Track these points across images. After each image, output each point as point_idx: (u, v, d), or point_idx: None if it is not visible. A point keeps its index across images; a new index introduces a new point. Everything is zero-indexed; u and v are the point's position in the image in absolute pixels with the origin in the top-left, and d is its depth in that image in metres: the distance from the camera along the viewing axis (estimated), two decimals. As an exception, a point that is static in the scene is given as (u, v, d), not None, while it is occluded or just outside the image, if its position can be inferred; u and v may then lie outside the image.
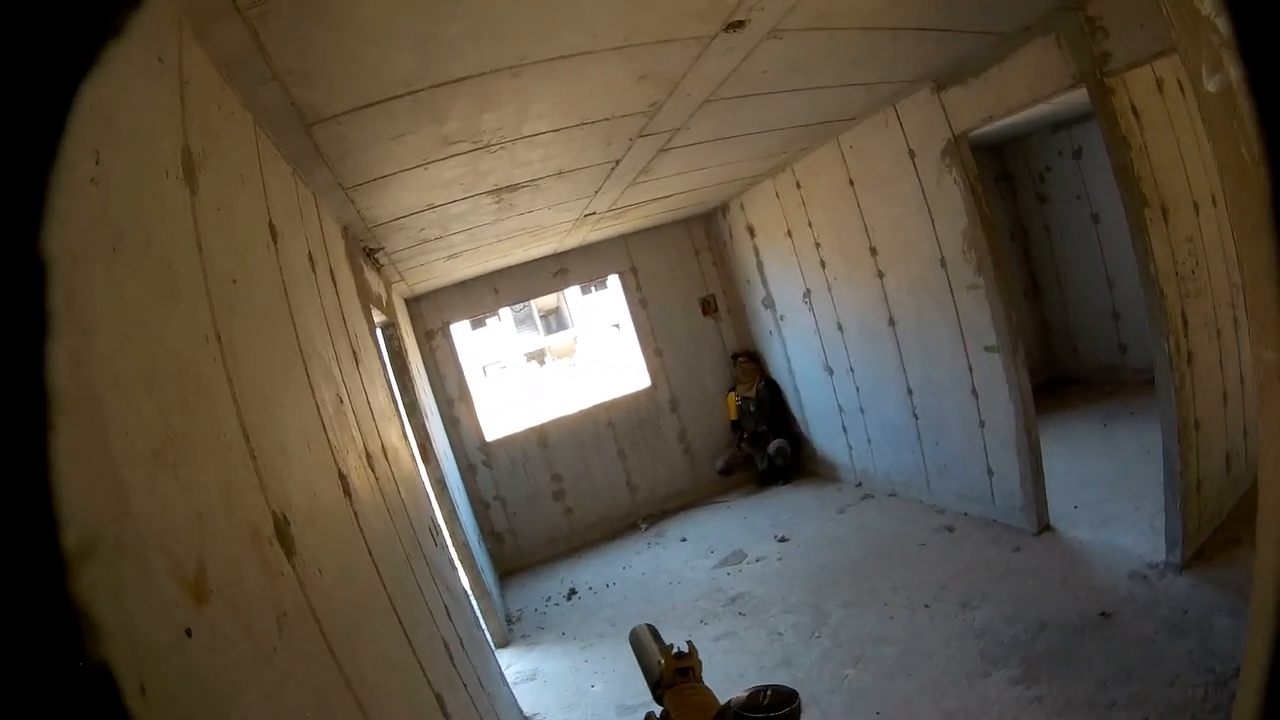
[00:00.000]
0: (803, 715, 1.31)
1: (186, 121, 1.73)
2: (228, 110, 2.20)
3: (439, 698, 2.63)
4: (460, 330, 8.72)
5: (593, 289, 27.85)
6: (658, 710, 1.59)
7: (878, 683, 4.22)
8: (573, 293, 30.80)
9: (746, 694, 1.28)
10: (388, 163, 3.48)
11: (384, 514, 2.97)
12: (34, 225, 0.60)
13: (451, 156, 3.66)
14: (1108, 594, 4.33)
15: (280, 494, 1.76)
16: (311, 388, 2.43)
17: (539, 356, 33.47)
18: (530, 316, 33.40)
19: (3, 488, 0.57)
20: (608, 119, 3.84)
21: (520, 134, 3.66)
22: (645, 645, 1.69)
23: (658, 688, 1.57)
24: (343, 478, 2.44)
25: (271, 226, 2.44)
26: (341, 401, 2.85)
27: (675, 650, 1.56)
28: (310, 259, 3.02)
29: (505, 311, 30.86)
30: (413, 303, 8.20)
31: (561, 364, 32.02)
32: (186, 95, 1.76)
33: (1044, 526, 5.34)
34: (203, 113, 1.90)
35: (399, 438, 4.14)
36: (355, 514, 2.45)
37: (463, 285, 8.33)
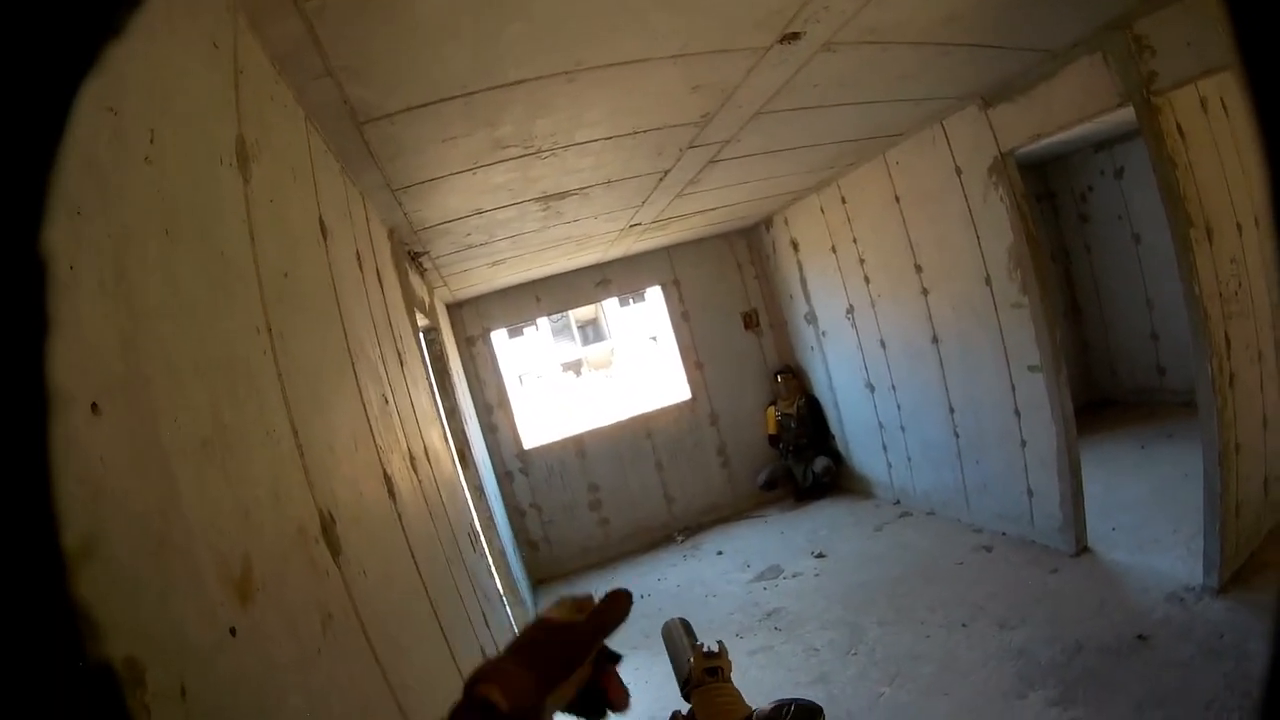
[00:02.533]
0: None
1: (241, 110, 1.72)
2: (280, 103, 2.19)
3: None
4: (499, 338, 8.74)
5: (630, 301, 27.86)
6: (685, 708, 1.52)
7: (914, 701, 4.15)
8: (611, 304, 30.81)
9: (771, 706, 1.21)
10: (438, 165, 3.47)
11: (426, 517, 2.94)
12: (34, 225, 0.59)
13: (502, 161, 3.65)
14: (1144, 617, 4.26)
15: (327, 492, 1.73)
16: (359, 386, 2.41)
17: (575, 367, 33.47)
18: (568, 327, 33.45)
19: (3, 488, 0.55)
20: (660, 128, 3.81)
21: (573, 140, 3.64)
22: (676, 640, 1.63)
23: (686, 685, 1.51)
24: (387, 479, 2.42)
25: (322, 223, 2.43)
26: (387, 402, 2.83)
27: (705, 649, 1.49)
28: (358, 258, 3.01)
29: (543, 321, 30.98)
30: (454, 308, 8.24)
31: (598, 375, 32.00)
32: (241, 84, 1.75)
33: (1082, 548, 5.25)
34: (256, 103, 1.89)
35: (440, 441, 4.12)
36: (399, 516, 2.42)
37: (504, 293, 8.36)
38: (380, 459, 2.41)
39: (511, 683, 0.76)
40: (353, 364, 2.41)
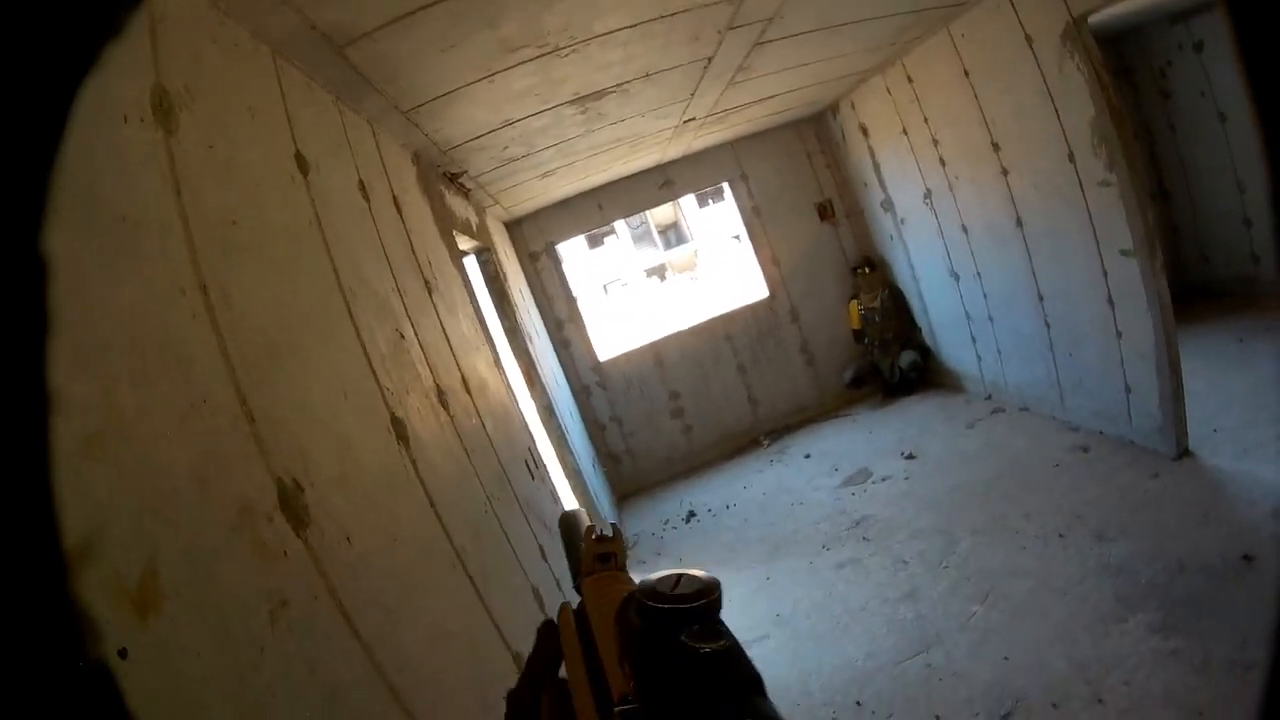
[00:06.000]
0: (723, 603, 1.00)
1: (159, 62, 1.55)
2: (228, 44, 2.01)
3: (518, 657, 2.46)
4: (573, 249, 8.53)
5: (710, 201, 27.26)
6: (576, 601, 1.34)
7: (1007, 623, 3.87)
8: (690, 206, 30.27)
9: (656, 579, 0.92)
10: (446, 78, 3.21)
11: (458, 456, 2.80)
12: (35, 224, 0.61)
13: (518, 65, 3.35)
14: (1250, 534, 3.85)
15: (291, 457, 1.57)
16: (356, 327, 2.24)
17: (659, 272, 33.13)
18: (648, 233, 32.99)
19: (3, 489, 0.56)
20: (689, 9, 3.41)
21: (592, 33, 3.31)
22: (573, 530, 1.38)
23: (577, 576, 1.28)
24: (397, 423, 2.26)
25: (299, 158, 2.24)
26: (403, 337, 2.67)
27: (598, 533, 1.25)
28: (363, 188, 2.82)
29: (623, 229, 30.71)
30: (513, 225, 8.03)
31: (682, 278, 31.64)
32: (160, 34, 1.58)
33: (1183, 451, 4.79)
34: (186, 50, 1.71)
35: (488, 367, 3.97)
36: (413, 462, 2.27)
37: (565, 204, 8.07)
38: (386, 403, 2.25)
39: None
40: (347, 304, 2.23)
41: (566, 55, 3.45)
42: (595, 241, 30.37)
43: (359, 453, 1.93)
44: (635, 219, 28.31)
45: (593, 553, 1.21)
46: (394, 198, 3.25)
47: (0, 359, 0.59)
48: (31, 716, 0.54)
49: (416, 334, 2.84)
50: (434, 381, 2.83)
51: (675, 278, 32.27)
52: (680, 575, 0.91)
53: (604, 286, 31.44)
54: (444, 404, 2.84)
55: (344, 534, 1.67)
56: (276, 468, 1.49)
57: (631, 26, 3.40)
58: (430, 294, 3.30)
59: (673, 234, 33.84)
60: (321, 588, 1.51)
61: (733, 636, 0.75)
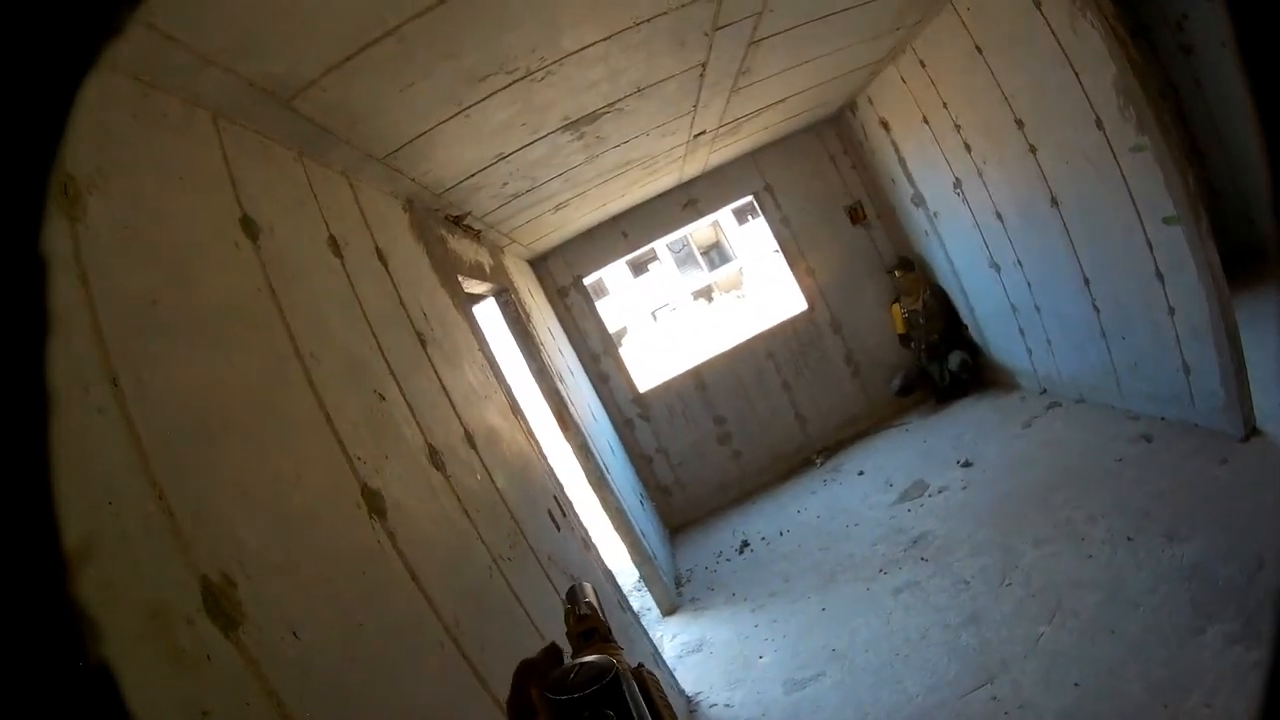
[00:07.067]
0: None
1: (66, 148, 1.42)
2: (154, 115, 1.89)
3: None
4: (617, 279, 8.44)
5: (749, 217, 27.05)
6: None
7: (1076, 643, 3.55)
8: (730, 224, 30.11)
9: (563, 669, 0.96)
10: (416, 118, 3.08)
11: (455, 519, 2.62)
12: (35, 224, 0.60)
13: (491, 95, 3.19)
14: None
15: (221, 549, 1.42)
16: (318, 396, 2.08)
17: (706, 294, 32.94)
18: (691, 255, 32.83)
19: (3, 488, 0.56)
20: (664, 12, 3.22)
21: (563, 51, 3.14)
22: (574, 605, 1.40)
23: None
24: (369, 495, 2.09)
25: (246, 222, 2.10)
26: (383, 399, 2.51)
27: (580, 610, 1.28)
28: (334, 244, 2.68)
29: (665, 253, 30.64)
30: (537, 262, 7.91)
31: (730, 298, 31.38)
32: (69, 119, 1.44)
33: (1251, 430, 4.38)
34: (100, 131, 1.62)
35: (502, 416, 3.81)
36: (390, 535, 2.09)
37: (587, 235, 7.93)
38: (356, 473, 2.08)
39: None
40: (306, 372, 2.08)
41: (542, 78, 3.30)
42: (639, 269, 30.38)
43: (314, 534, 1.77)
44: (676, 242, 28.24)
45: (575, 633, 1.24)
46: (377, 250, 3.11)
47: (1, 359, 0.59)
48: (32, 717, 0.54)
49: (403, 392, 2.69)
50: (425, 441, 2.67)
51: (722, 297, 32.05)
52: (579, 664, 0.93)
53: (652, 313, 31.38)
54: (438, 464, 2.67)
55: (289, 628, 1.50)
56: (201, 563, 1.34)
57: (606, 39, 3.23)
58: (424, 346, 3.15)
59: (715, 254, 33.68)
60: (256, 691, 1.34)
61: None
